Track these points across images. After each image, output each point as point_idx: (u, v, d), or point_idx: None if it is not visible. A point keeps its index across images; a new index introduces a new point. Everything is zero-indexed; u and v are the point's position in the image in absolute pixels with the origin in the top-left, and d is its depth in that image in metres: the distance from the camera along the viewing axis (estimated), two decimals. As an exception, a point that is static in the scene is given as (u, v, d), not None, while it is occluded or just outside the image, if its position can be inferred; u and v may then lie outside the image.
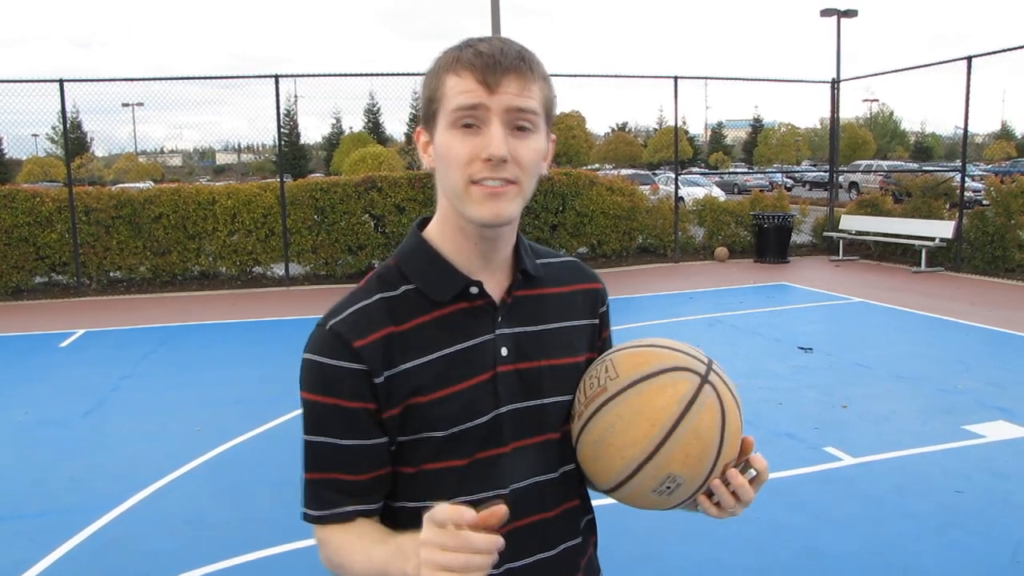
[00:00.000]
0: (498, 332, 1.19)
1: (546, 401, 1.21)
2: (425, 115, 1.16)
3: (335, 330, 1.15)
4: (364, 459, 1.16)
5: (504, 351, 1.19)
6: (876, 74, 15.06)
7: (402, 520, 1.19)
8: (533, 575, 1.22)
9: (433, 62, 1.15)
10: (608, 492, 1.20)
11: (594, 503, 1.34)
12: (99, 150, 40.61)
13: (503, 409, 1.18)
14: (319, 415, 1.16)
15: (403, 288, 1.19)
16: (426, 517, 0.95)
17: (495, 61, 1.07)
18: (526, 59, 1.10)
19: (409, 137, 30.38)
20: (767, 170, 40.37)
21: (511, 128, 1.09)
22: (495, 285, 1.21)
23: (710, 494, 1.16)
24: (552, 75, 1.19)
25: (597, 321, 1.34)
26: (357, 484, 1.16)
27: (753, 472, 1.17)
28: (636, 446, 1.12)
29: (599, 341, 1.35)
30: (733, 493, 1.15)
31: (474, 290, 1.18)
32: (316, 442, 1.16)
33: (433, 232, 1.22)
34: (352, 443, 1.15)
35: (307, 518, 1.18)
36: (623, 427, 1.13)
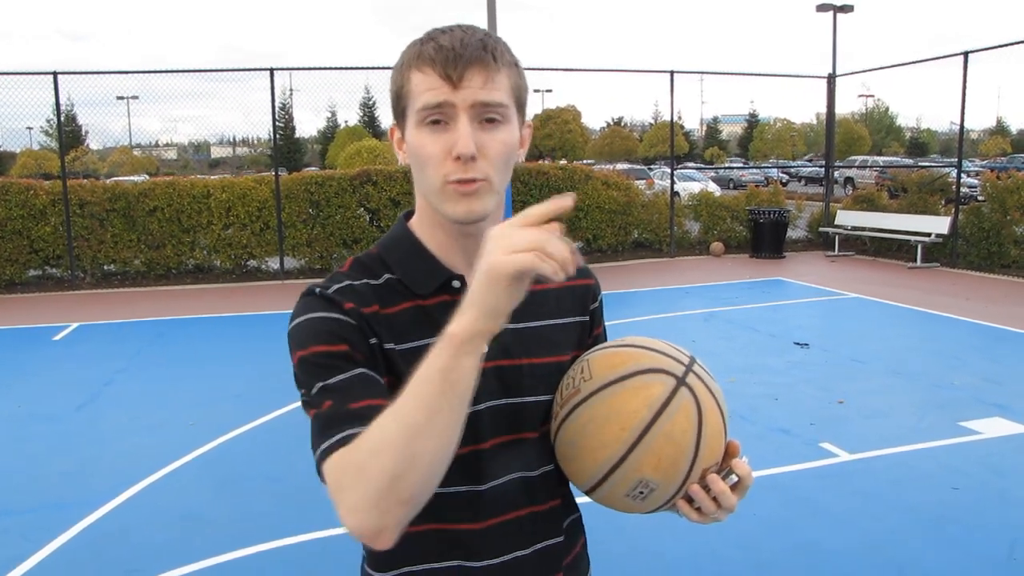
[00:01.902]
0: None
1: (526, 400, 1.19)
2: (395, 111, 1.15)
3: (325, 294, 1.11)
4: (374, 384, 1.06)
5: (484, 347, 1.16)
6: (872, 69, 15.06)
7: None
8: (511, 572, 1.20)
9: (399, 56, 1.13)
10: (586, 494, 1.18)
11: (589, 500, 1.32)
12: (94, 143, 40.58)
13: (481, 406, 1.15)
14: (323, 361, 1.06)
15: (385, 277, 1.17)
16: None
17: (456, 54, 1.05)
18: (489, 48, 1.07)
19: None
20: (763, 165, 40.42)
21: (479, 121, 1.07)
22: None
23: (691, 499, 1.14)
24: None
25: (587, 318, 1.31)
26: (370, 408, 0.99)
27: (735, 478, 1.13)
28: (607, 449, 1.10)
29: (589, 338, 1.32)
30: (714, 499, 1.12)
31: (456, 284, 1.17)
32: (322, 387, 1.05)
33: (416, 225, 1.22)
34: (363, 371, 1.06)
35: (321, 455, 0.99)
36: (595, 430, 1.11)
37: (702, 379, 1.14)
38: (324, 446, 0.99)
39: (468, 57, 1.05)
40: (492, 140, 1.08)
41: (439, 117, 1.06)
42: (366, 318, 1.11)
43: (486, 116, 1.07)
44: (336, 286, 1.14)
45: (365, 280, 1.16)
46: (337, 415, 1.01)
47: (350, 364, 1.06)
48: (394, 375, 1.11)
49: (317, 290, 1.14)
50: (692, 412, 1.10)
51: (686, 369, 1.14)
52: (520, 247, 0.85)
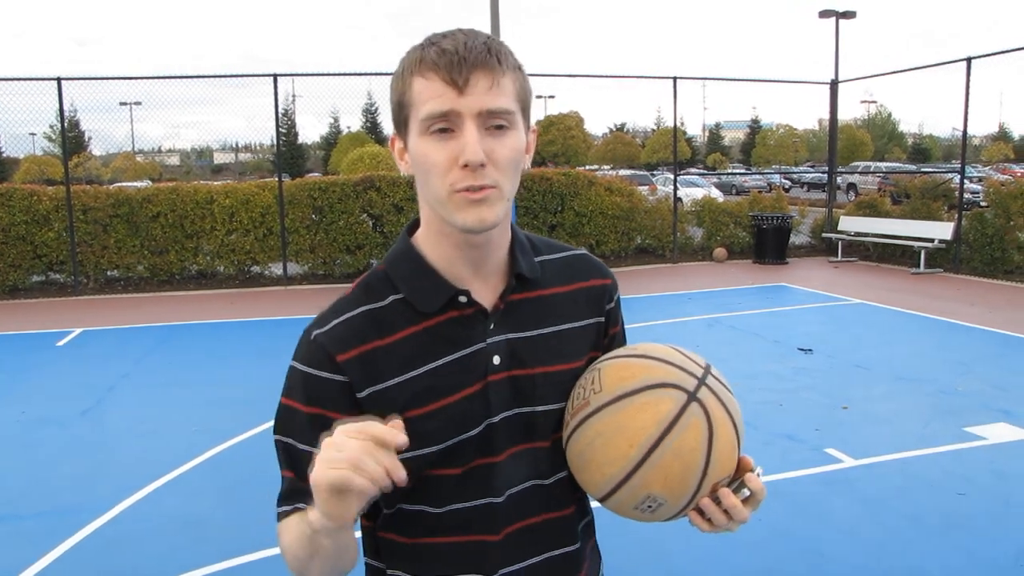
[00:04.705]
0: (489, 340, 1.15)
1: (539, 408, 1.17)
2: (396, 120, 1.11)
3: (319, 341, 1.12)
4: None
5: (496, 359, 1.14)
6: (875, 75, 14.99)
7: (401, 522, 1.19)
8: None
9: (399, 63, 1.10)
10: (598, 502, 1.18)
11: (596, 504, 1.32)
12: (97, 149, 40.67)
13: (495, 418, 1.14)
14: (296, 422, 1.13)
15: (390, 298, 1.15)
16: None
17: (460, 58, 1.02)
18: (493, 51, 1.04)
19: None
20: (765, 171, 40.44)
21: (486, 128, 1.04)
22: (488, 290, 1.17)
23: (702, 511, 1.13)
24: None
25: (603, 319, 1.28)
26: None
27: (747, 492, 1.12)
28: (614, 464, 1.09)
29: (605, 339, 1.29)
30: (725, 512, 1.11)
31: (462, 299, 1.14)
32: (290, 444, 1.13)
33: (421, 238, 1.18)
34: None
35: (278, 516, 1.16)
36: (603, 444, 1.10)
37: (715, 392, 1.12)
38: (279, 510, 1.15)
39: (473, 61, 1.02)
40: (500, 146, 1.05)
41: (445, 125, 1.03)
42: (359, 363, 1.11)
43: (493, 123, 1.04)
44: (333, 323, 1.13)
45: (365, 308, 1.14)
46: (293, 490, 1.13)
47: (312, 431, 1.10)
48: (394, 411, 1.09)
49: (314, 334, 1.13)
50: (702, 428, 1.08)
51: (699, 383, 1.11)
52: (336, 463, 0.89)
